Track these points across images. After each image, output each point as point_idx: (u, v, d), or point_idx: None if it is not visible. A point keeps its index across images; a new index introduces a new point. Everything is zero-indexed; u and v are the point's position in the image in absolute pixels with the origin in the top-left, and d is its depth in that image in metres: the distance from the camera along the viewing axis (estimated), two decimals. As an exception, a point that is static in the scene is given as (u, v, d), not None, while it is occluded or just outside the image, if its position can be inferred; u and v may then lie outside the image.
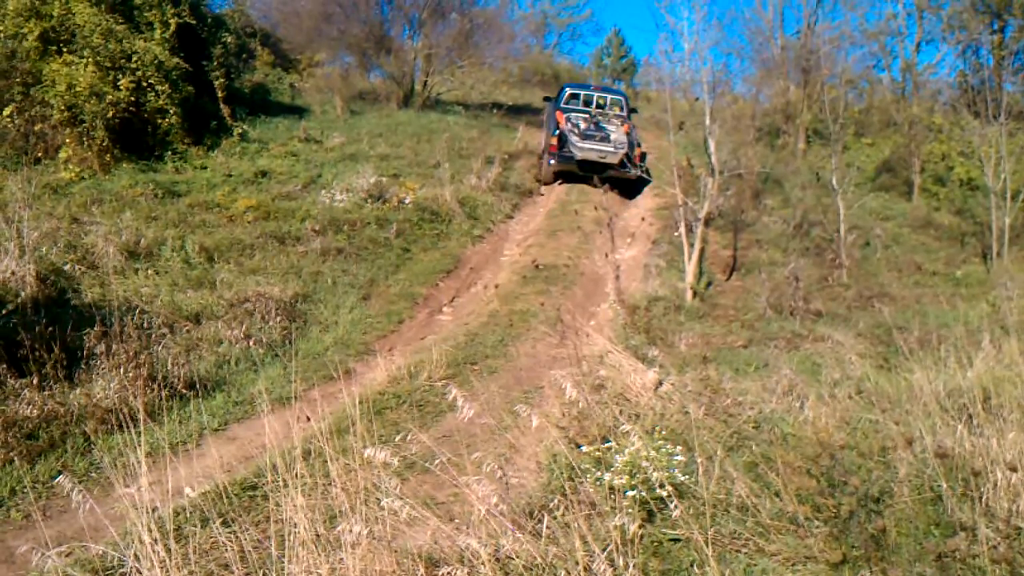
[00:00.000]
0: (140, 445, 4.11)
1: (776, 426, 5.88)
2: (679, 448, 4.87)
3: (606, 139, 17.71)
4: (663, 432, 5.29)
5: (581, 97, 19.26)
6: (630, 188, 17.47)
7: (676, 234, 13.36)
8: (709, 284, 12.71)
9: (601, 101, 19.15)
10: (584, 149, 17.43)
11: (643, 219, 15.05)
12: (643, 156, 18.07)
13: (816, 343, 9.97)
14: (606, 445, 4.93)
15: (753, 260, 13.95)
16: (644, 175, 16.48)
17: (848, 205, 14.68)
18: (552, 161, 17.65)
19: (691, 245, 12.38)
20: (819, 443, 4.68)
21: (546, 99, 21.69)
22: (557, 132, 17.54)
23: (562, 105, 18.76)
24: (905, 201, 19.38)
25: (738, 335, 10.60)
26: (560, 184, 17.97)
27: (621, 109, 19.03)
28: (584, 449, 5.09)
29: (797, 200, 16.46)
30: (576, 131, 17.67)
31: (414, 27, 23.96)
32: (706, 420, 6.02)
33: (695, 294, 11.94)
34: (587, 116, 18.34)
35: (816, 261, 14.14)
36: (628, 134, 18.07)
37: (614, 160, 17.20)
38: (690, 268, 12.20)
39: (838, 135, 16.77)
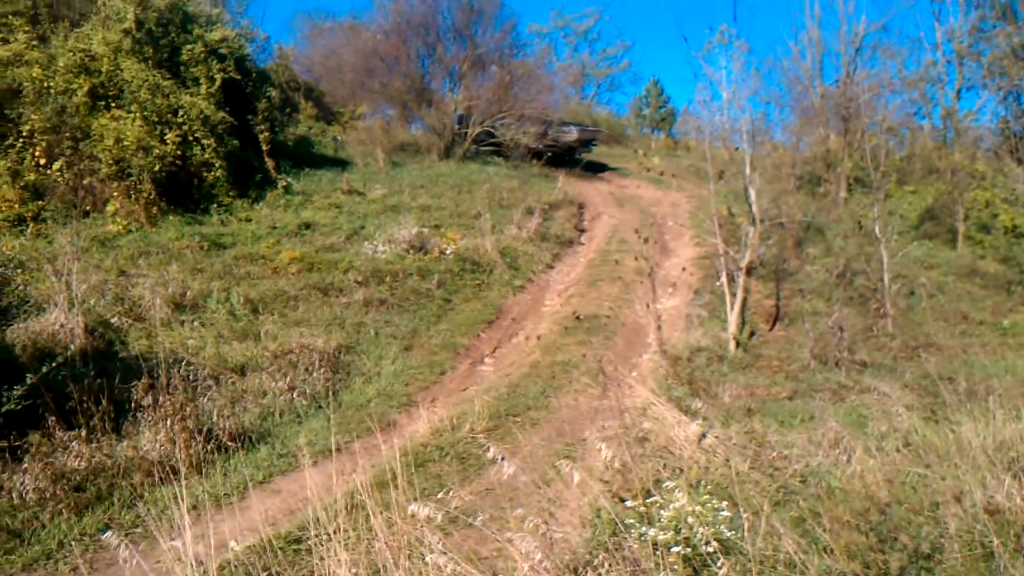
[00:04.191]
0: (183, 499, 4.14)
1: (823, 480, 5.78)
2: (724, 503, 4.80)
3: None
4: (708, 486, 5.23)
5: None
6: None
7: (718, 284, 13.31)
8: (752, 334, 12.61)
9: None
10: None
11: (684, 268, 15.00)
12: None
13: (862, 394, 9.83)
14: (650, 500, 4.87)
15: (796, 310, 13.83)
16: None
17: (892, 254, 14.52)
18: None
19: (733, 295, 12.31)
20: (868, 498, 4.60)
21: None
22: None
23: None
24: (949, 249, 19.15)
25: (782, 386, 10.48)
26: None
27: None
28: (628, 504, 5.02)
29: (839, 249, 16.31)
30: None
31: (454, 80, 24.36)
32: (751, 474, 5.95)
33: (738, 344, 11.84)
34: None
35: (860, 311, 13.97)
36: None
37: None
38: (732, 318, 12.11)
39: (880, 183, 16.63)
